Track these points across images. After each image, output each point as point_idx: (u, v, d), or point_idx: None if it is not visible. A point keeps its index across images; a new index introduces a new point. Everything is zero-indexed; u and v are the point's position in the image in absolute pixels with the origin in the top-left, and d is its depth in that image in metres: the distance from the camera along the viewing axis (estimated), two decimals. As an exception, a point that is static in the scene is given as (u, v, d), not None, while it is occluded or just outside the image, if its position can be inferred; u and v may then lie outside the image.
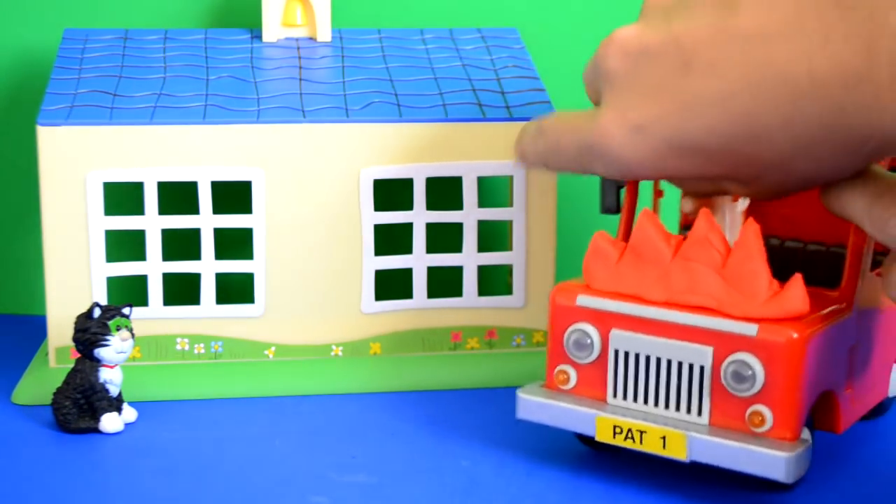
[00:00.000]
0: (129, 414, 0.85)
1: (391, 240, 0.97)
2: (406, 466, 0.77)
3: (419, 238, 0.95)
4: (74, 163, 0.89)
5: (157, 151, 0.90)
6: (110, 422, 0.83)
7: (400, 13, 1.10)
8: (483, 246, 0.97)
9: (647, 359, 0.73)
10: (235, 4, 1.09)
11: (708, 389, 0.71)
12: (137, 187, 0.91)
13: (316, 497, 0.73)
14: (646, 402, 0.73)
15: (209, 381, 0.91)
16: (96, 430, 0.83)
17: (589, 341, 0.75)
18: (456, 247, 0.96)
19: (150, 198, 0.91)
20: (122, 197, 0.93)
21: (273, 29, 1.01)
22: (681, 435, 0.70)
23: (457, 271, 0.96)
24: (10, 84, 1.10)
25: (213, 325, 0.93)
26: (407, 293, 0.95)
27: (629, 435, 0.72)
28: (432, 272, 0.96)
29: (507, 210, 0.96)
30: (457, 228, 0.96)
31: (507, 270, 0.98)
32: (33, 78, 1.09)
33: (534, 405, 0.76)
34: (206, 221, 0.92)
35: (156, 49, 0.99)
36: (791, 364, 0.68)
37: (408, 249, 0.95)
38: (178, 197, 0.93)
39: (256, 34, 1.02)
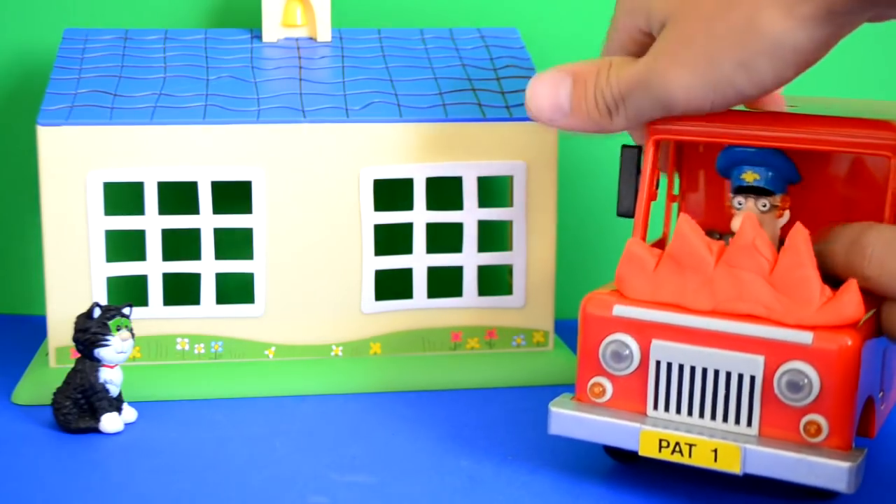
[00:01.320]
0: (129, 414, 0.85)
1: (391, 240, 0.97)
2: (406, 466, 0.77)
3: (419, 238, 0.95)
4: (74, 163, 0.89)
5: (157, 151, 0.90)
6: (110, 422, 0.83)
7: (400, 13, 1.10)
8: (483, 246, 0.97)
9: (692, 369, 0.70)
10: (235, 4, 1.09)
11: (758, 399, 0.69)
12: (137, 187, 0.91)
13: (316, 497, 0.73)
14: (689, 413, 0.71)
15: (209, 381, 0.91)
16: (96, 430, 0.83)
17: (627, 352, 0.72)
18: (456, 247, 0.96)
19: (150, 198, 0.91)
20: (122, 197, 0.93)
21: (273, 29, 1.01)
22: (734, 447, 0.68)
23: (457, 271, 0.96)
24: (10, 84, 1.10)
25: (213, 325, 0.93)
26: (407, 293, 0.95)
27: (677, 448, 0.69)
28: (432, 272, 0.96)
29: (507, 210, 0.96)
30: (457, 228, 0.96)
31: (507, 270, 0.98)
32: (33, 78, 1.09)
33: (569, 420, 0.73)
34: (206, 221, 0.92)
35: (156, 49, 0.99)
36: (847, 372, 0.66)
37: (408, 249, 0.95)
38: (178, 197, 0.93)
39: (256, 34, 1.02)
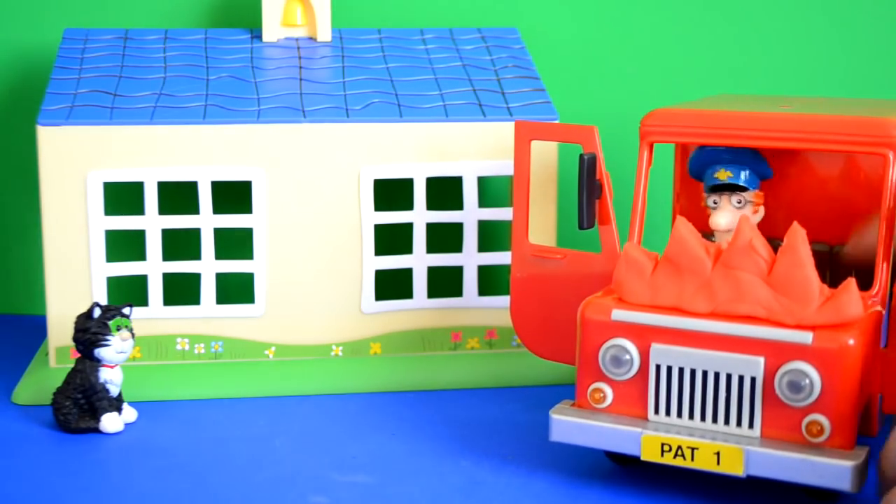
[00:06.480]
0: (129, 414, 0.85)
1: (391, 240, 0.97)
2: (406, 466, 0.77)
3: (419, 238, 0.95)
4: (74, 163, 0.89)
5: (157, 151, 0.90)
6: (110, 422, 0.83)
7: (400, 13, 1.10)
8: (483, 246, 0.97)
9: (693, 372, 0.70)
10: (235, 4, 1.09)
11: (759, 401, 0.68)
12: (137, 187, 0.91)
13: (316, 497, 0.73)
14: (691, 417, 0.70)
15: (209, 381, 0.91)
16: (96, 430, 0.83)
17: (627, 357, 0.71)
18: (456, 247, 0.96)
19: (150, 198, 0.91)
20: (122, 197, 0.93)
21: (273, 29, 1.01)
22: (737, 450, 0.67)
23: (457, 271, 0.96)
24: (10, 84, 1.10)
25: (213, 325, 0.93)
26: (407, 293, 0.95)
27: (679, 452, 0.69)
28: (432, 272, 0.96)
29: (507, 210, 0.96)
30: (457, 228, 0.96)
31: (507, 270, 0.98)
32: (33, 78, 1.09)
33: (571, 427, 0.72)
34: (206, 221, 0.92)
35: (156, 49, 0.99)
36: (848, 371, 0.66)
37: (408, 249, 0.95)
38: (178, 197, 0.93)
39: (256, 34, 1.02)
